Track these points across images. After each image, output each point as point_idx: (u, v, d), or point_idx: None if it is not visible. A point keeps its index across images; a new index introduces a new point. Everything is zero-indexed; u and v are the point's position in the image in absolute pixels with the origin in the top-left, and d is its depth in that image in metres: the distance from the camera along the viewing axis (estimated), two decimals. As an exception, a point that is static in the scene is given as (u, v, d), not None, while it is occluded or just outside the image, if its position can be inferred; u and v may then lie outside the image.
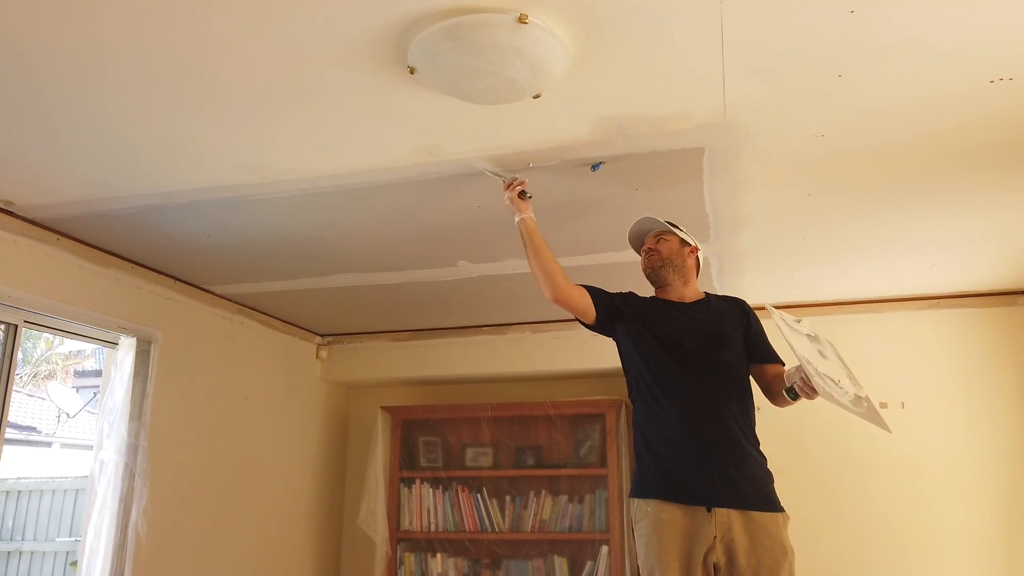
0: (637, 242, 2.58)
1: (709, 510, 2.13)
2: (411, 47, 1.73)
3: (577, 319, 2.47)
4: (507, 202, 2.39)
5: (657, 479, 2.23)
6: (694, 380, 2.27)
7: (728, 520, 2.13)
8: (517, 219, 2.37)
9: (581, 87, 1.93)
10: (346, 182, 2.50)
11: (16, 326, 2.84)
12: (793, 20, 1.67)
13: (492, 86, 1.81)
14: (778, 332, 2.19)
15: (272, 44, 1.74)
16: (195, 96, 1.97)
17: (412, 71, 1.81)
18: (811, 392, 2.08)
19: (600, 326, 2.45)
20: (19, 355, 2.93)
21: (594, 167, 2.39)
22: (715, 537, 2.11)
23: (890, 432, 2.12)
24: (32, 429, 10.84)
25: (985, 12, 1.65)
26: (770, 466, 4.02)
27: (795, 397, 2.17)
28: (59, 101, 1.99)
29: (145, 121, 2.10)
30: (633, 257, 3.24)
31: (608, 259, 3.24)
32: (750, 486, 2.20)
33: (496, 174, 2.41)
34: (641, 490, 2.25)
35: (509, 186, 2.38)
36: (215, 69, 1.85)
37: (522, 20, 1.64)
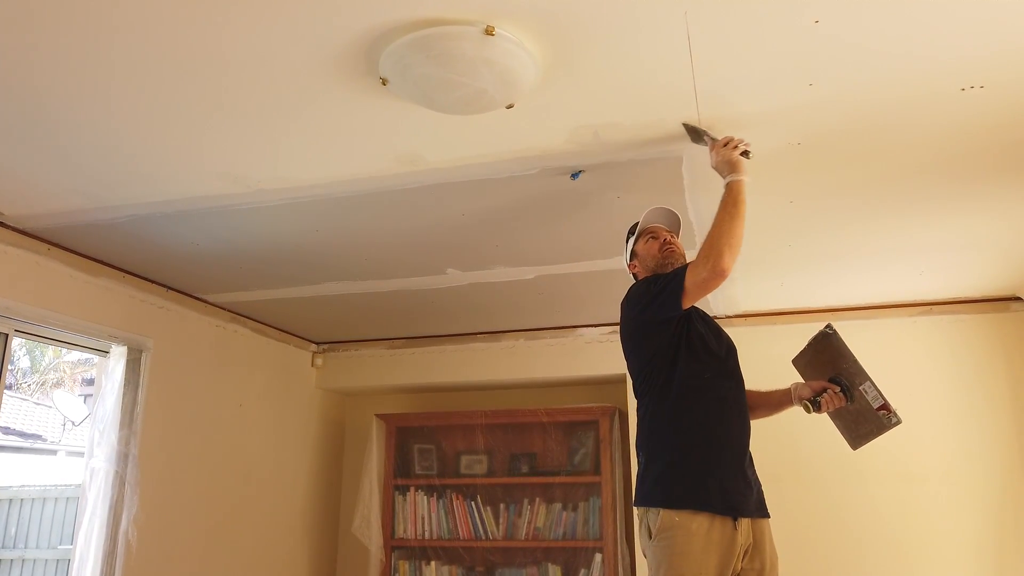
0: (648, 227, 2.41)
1: (736, 520, 2.10)
2: (382, 59, 1.75)
3: (670, 306, 2.14)
4: (720, 161, 2.06)
5: (691, 488, 2.11)
6: (727, 387, 2.25)
7: (748, 528, 2.13)
8: (731, 179, 2.05)
9: (554, 97, 1.95)
10: (328, 191, 2.52)
11: (7, 335, 2.87)
12: (757, 32, 1.69)
13: (463, 97, 1.83)
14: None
15: (249, 56, 1.77)
16: (176, 108, 2.00)
17: (384, 82, 1.84)
18: (833, 405, 2.30)
19: (679, 317, 2.20)
20: (12, 363, 2.95)
21: (574, 176, 2.40)
22: (740, 545, 2.10)
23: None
24: (38, 437, 10.91)
25: (950, 21, 1.66)
26: (764, 472, 4.01)
27: (817, 410, 2.33)
28: (46, 115, 2.02)
29: (129, 133, 2.13)
30: (617, 266, 3.26)
31: (592, 267, 3.25)
32: (760, 494, 2.23)
33: (705, 133, 2.09)
34: (669, 499, 2.11)
35: (727, 144, 2.05)
36: (195, 82, 1.87)
37: (489, 32, 1.66)
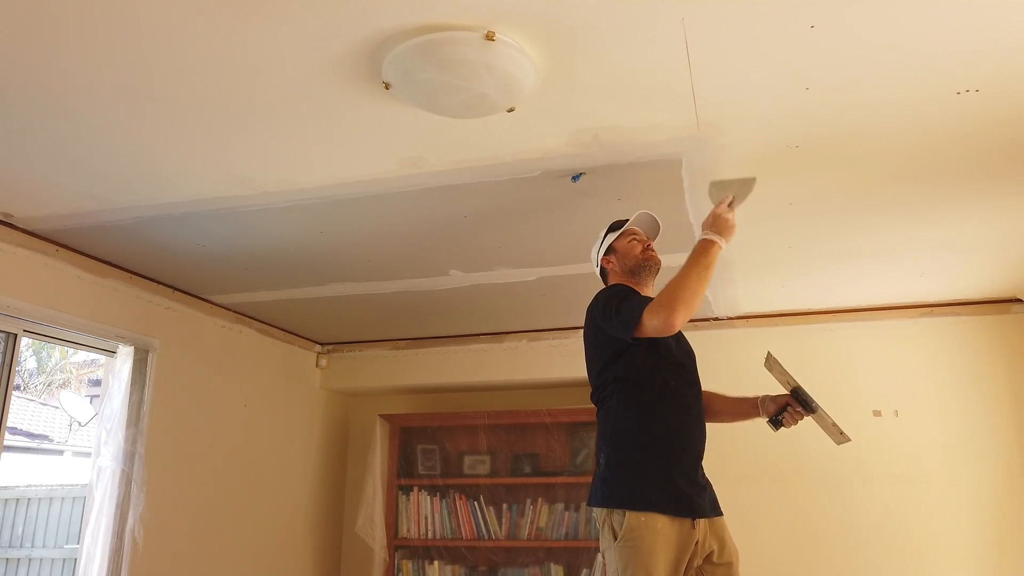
0: (632, 228, 2.45)
1: (694, 521, 2.16)
2: (384, 64, 1.79)
3: (622, 332, 2.19)
4: (716, 217, 2.17)
5: (655, 491, 2.15)
6: (690, 394, 2.31)
7: (704, 528, 2.19)
8: (713, 237, 2.15)
9: (554, 100, 1.98)
10: (333, 194, 2.55)
11: (16, 335, 2.91)
12: (754, 36, 1.71)
13: (465, 101, 1.86)
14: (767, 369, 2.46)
15: (255, 60, 1.80)
16: (184, 111, 2.03)
17: (387, 87, 1.87)
18: (794, 422, 2.42)
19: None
20: (20, 364, 2.99)
21: (574, 178, 2.43)
22: (696, 543, 2.16)
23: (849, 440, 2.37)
24: (45, 437, 10.98)
25: (945, 26, 1.68)
26: (764, 472, 4.03)
27: (778, 427, 2.44)
28: (55, 118, 2.06)
29: (136, 136, 2.17)
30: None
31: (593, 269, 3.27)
32: (712, 494, 2.29)
33: (731, 196, 2.21)
34: (635, 501, 2.15)
35: (731, 206, 2.19)
36: (202, 85, 1.91)
37: (489, 37, 1.69)
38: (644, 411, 2.24)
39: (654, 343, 2.25)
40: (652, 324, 2.10)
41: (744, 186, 2.24)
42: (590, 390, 2.45)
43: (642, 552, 2.08)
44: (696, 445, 2.27)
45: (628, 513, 2.13)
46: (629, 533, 2.11)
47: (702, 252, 2.15)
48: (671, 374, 2.28)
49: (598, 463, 2.29)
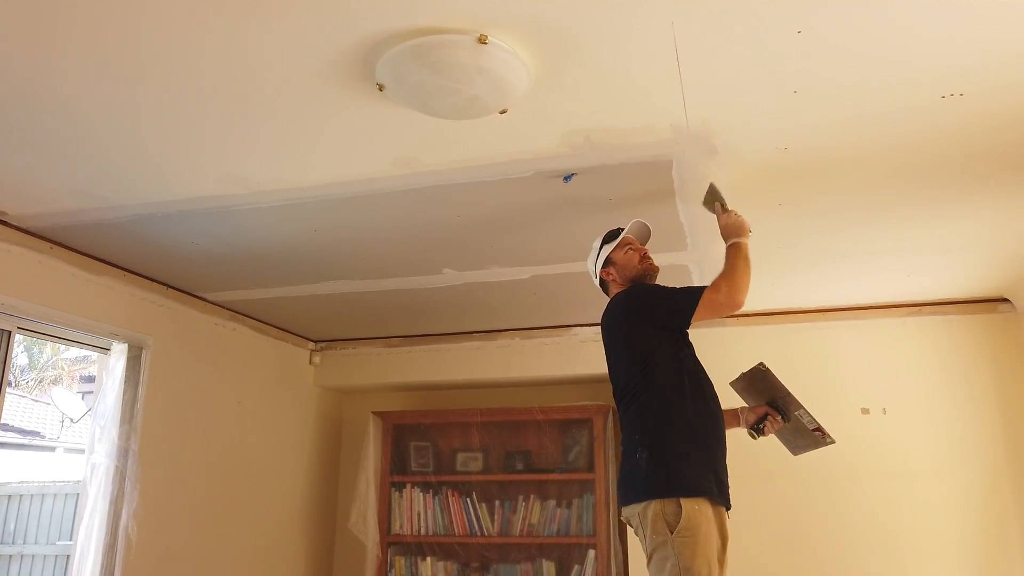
0: (627, 238, 2.52)
1: (727, 509, 2.22)
2: (378, 66, 1.81)
3: (678, 318, 2.31)
4: (731, 224, 2.34)
5: (700, 478, 2.18)
6: (711, 385, 2.37)
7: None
8: (742, 240, 2.31)
9: (545, 102, 2.01)
10: (328, 193, 2.57)
11: (9, 332, 2.92)
12: (742, 41, 1.74)
13: (457, 103, 1.88)
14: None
15: (251, 62, 1.82)
16: (180, 110, 2.05)
17: (381, 88, 1.89)
18: (774, 429, 2.57)
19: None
20: (12, 360, 3.00)
21: (566, 178, 2.46)
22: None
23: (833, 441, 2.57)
24: (36, 434, 10.96)
25: (930, 32, 1.71)
26: (756, 470, 4.08)
27: (762, 434, 2.59)
28: (51, 117, 2.07)
29: (131, 135, 2.18)
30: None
31: (586, 267, 3.29)
32: None
33: (721, 199, 2.39)
34: (686, 489, 2.15)
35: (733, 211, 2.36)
36: (198, 84, 1.92)
37: (482, 40, 1.71)
38: (682, 402, 2.26)
39: (686, 337, 2.35)
40: (718, 300, 2.22)
41: (718, 193, 2.39)
42: (597, 385, 2.51)
43: (700, 540, 2.09)
44: (724, 434, 2.34)
45: (683, 502, 2.12)
46: (688, 523, 2.10)
47: (736, 253, 2.30)
48: (698, 367, 2.35)
49: (632, 459, 2.25)
